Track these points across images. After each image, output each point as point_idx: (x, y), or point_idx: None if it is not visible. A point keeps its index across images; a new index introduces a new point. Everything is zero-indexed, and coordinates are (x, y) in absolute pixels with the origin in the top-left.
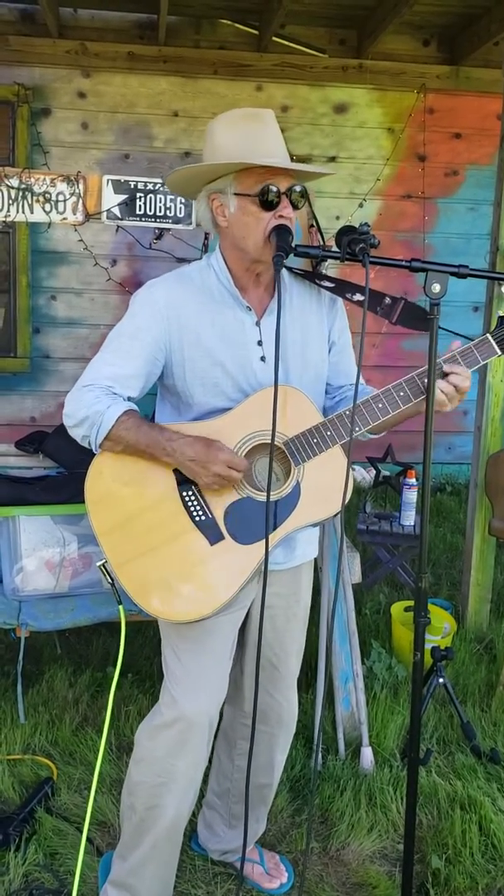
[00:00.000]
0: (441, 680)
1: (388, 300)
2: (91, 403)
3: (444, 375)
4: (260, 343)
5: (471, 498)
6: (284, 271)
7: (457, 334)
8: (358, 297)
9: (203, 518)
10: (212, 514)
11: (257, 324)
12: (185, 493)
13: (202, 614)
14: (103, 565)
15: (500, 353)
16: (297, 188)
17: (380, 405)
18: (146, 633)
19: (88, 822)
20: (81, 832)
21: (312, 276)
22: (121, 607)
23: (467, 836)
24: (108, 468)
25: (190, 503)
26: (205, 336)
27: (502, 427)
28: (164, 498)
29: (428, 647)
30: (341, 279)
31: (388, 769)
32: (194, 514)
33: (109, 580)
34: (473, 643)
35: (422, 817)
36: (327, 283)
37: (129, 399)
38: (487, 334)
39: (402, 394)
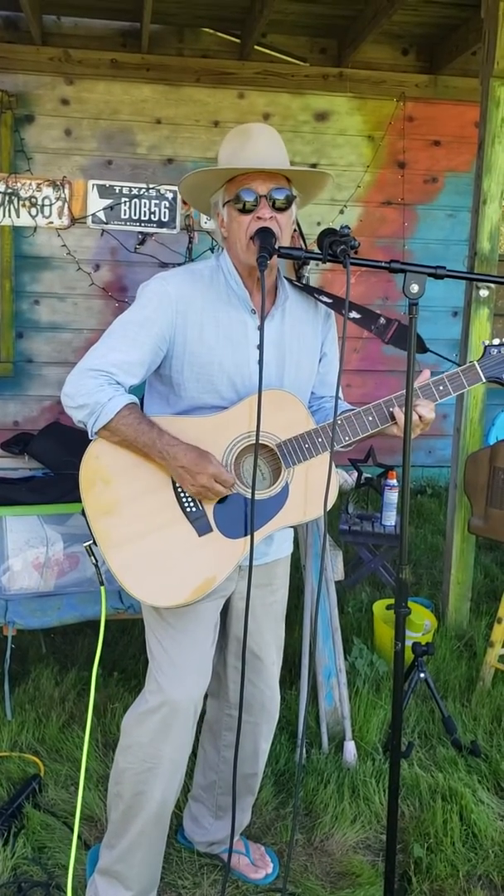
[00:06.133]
0: (422, 675)
1: (382, 320)
2: (93, 391)
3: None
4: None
5: (451, 498)
6: (286, 282)
7: (447, 359)
8: (354, 314)
9: (193, 510)
10: (202, 506)
11: (259, 328)
12: (178, 484)
13: (181, 601)
14: (89, 546)
15: (484, 379)
16: (281, 193)
17: (370, 418)
18: (132, 632)
19: (79, 813)
20: (69, 827)
21: (311, 291)
22: (102, 588)
23: (448, 826)
24: (105, 453)
25: (182, 493)
26: (208, 333)
27: (481, 428)
28: (158, 486)
29: (409, 643)
30: (338, 296)
31: (371, 762)
32: (186, 504)
33: (94, 561)
34: (454, 640)
35: (404, 808)
36: (325, 299)
37: (130, 387)
38: (474, 362)
39: (391, 410)
